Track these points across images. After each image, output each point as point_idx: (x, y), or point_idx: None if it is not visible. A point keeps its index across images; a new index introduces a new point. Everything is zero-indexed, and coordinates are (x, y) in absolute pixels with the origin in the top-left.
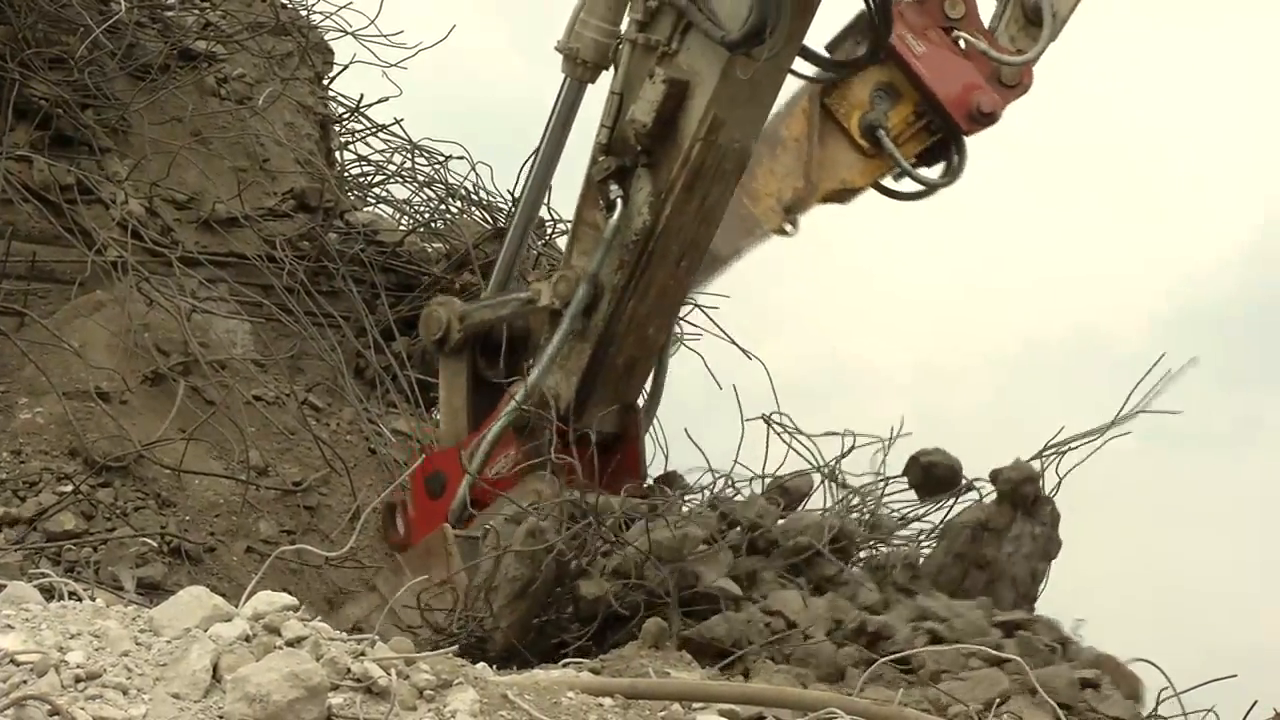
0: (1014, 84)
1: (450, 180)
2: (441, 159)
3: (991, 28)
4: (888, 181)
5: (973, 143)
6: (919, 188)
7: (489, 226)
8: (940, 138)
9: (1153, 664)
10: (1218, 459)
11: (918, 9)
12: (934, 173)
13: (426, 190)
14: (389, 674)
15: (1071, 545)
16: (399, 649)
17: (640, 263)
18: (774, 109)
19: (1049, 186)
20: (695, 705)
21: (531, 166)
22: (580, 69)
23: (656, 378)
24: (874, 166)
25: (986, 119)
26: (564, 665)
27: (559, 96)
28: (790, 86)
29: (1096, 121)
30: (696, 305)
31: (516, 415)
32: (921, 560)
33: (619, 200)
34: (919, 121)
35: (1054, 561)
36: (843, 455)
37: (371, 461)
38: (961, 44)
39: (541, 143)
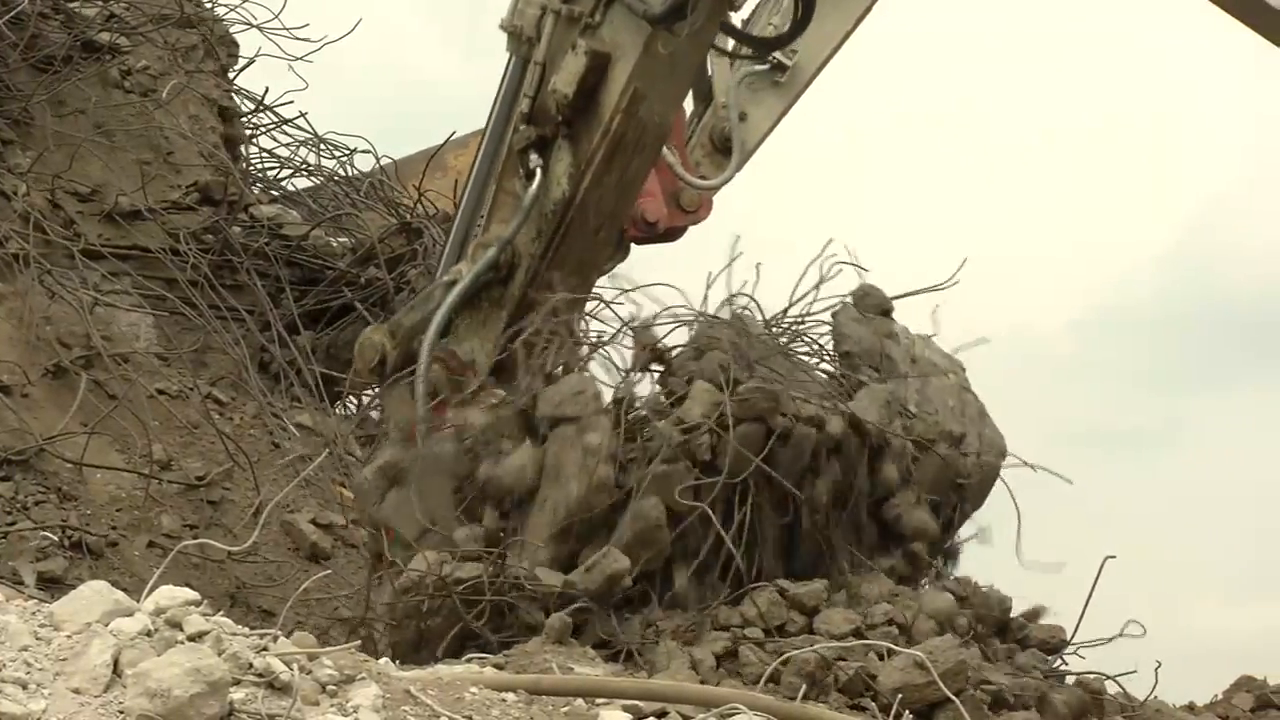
0: (691, 209)
1: (355, 174)
2: (347, 153)
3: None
4: None
5: (915, 143)
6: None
7: (394, 221)
8: None
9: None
10: (1141, 459)
11: None
12: None
13: (331, 184)
14: (291, 669)
15: (1001, 545)
16: (301, 645)
17: (558, 232)
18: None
19: (973, 187)
20: (599, 701)
21: (479, 148)
22: (525, 46)
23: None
24: None
25: (649, 228)
26: (468, 660)
27: (505, 74)
28: None
29: (1019, 125)
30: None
31: (434, 379)
32: None
33: (538, 170)
34: None
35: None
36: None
37: (275, 456)
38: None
39: (489, 122)
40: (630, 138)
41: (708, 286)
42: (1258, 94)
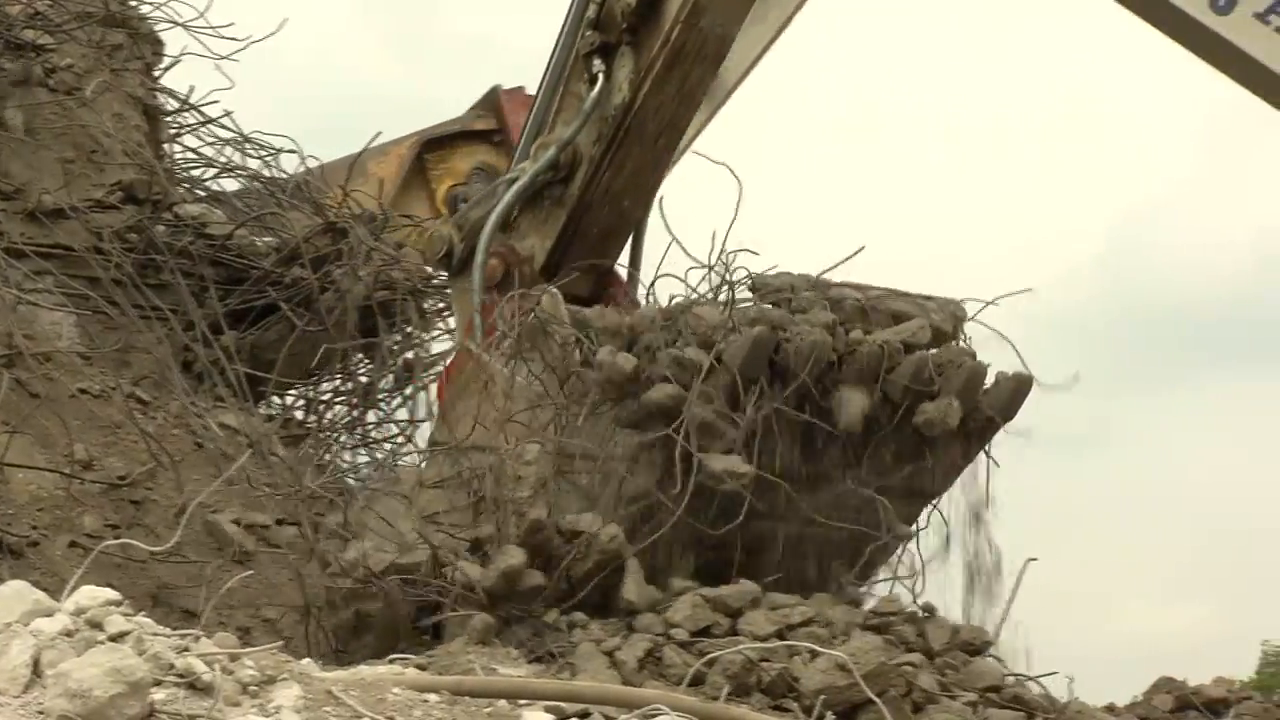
0: None
1: (280, 174)
2: (273, 152)
3: None
4: None
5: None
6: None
7: (319, 221)
8: None
9: (997, 659)
10: (1070, 461)
11: None
12: None
13: (256, 184)
14: (213, 669)
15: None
16: (223, 645)
17: (617, 137)
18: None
19: (904, 189)
20: (521, 702)
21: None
22: None
23: (635, 249)
24: None
25: None
26: (390, 661)
27: None
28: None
29: (951, 126)
30: None
31: (490, 273)
32: None
33: (601, 75)
34: None
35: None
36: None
37: (198, 456)
38: None
39: (563, 26)
40: (690, 48)
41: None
42: (1187, 101)
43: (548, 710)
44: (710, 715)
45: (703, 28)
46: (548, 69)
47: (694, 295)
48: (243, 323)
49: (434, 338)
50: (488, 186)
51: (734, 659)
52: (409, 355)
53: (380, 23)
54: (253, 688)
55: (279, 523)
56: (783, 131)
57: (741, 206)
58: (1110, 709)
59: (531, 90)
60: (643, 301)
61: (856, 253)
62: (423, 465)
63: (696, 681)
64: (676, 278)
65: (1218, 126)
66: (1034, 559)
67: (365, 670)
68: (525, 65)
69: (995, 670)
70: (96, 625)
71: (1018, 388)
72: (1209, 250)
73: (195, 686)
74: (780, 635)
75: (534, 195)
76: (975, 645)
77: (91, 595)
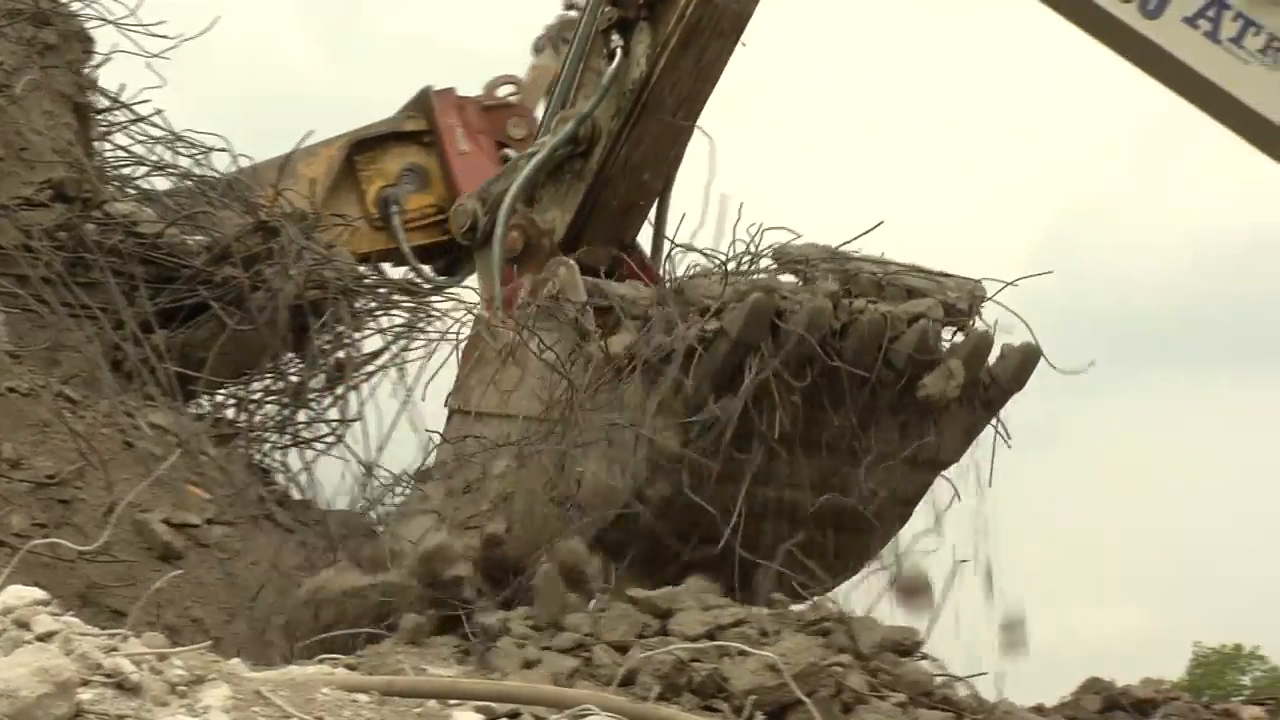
0: None
1: (211, 173)
2: (204, 151)
3: None
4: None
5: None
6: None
7: (251, 220)
8: (451, 241)
9: (930, 659)
10: (1012, 461)
11: (481, 112)
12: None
13: (186, 182)
14: (141, 669)
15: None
16: (151, 645)
17: (634, 111)
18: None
19: (842, 181)
20: (451, 702)
21: None
22: None
23: (658, 223)
24: (375, 238)
25: None
26: (320, 661)
27: None
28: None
29: (891, 125)
30: None
31: (510, 246)
32: None
33: (619, 50)
34: (436, 216)
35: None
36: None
37: (128, 455)
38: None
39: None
40: (705, 23)
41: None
42: (1124, 104)
43: (478, 710)
44: (640, 715)
45: (717, 3)
46: (571, 44)
47: (715, 268)
48: (173, 321)
49: (365, 337)
50: (417, 187)
51: (664, 659)
52: (340, 355)
53: (314, 22)
54: (181, 688)
55: (209, 522)
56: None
57: (764, 182)
58: (1039, 709)
59: (462, 91)
60: (664, 275)
61: (875, 227)
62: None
63: (626, 682)
64: (699, 250)
65: (1154, 131)
66: (964, 560)
67: (295, 670)
68: (459, 66)
69: (925, 671)
70: (24, 625)
71: (1025, 358)
72: (1145, 252)
73: (123, 686)
74: (711, 636)
75: (556, 169)
76: (906, 646)
77: (19, 595)
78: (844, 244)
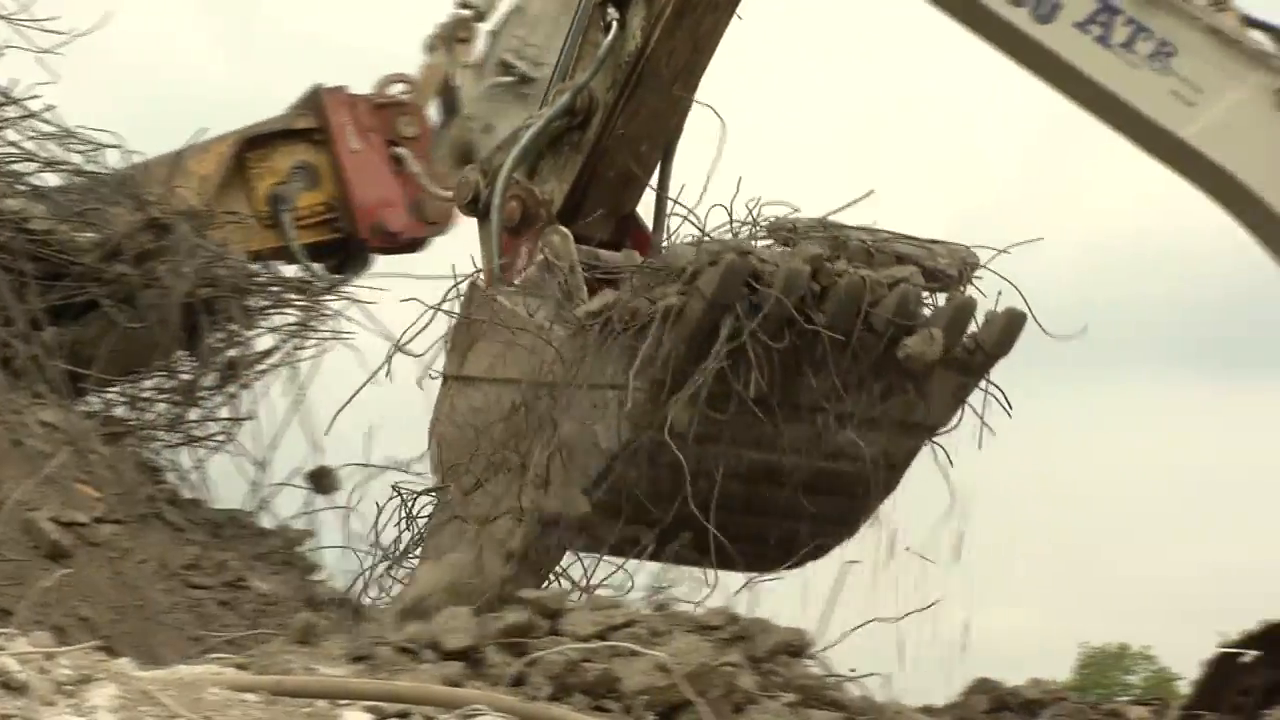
0: (434, 220)
1: (102, 169)
2: (96, 148)
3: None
4: None
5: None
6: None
7: (142, 216)
8: (343, 239)
9: (822, 659)
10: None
11: (372, 110)
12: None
13: (78, 178)
14: (27, 669)
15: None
16: (38, 644)
17: (629, 83)
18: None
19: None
20: (340, 702)
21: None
22: None
23: (660, 194)
24: (265, 236)
25: (390, 238)
26: (209, 660)
27: None
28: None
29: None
30: None
31: (509, 215)
32: None
33: (615, 22)
34: (327, 214)
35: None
36: None
37: (17, 453)
38: (403, 164)
39: None
40: None
41: None
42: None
43: (367, 710)
44: (530, 715)
45: None
46: (574, 16)
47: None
48: (63, 319)
49: (257, 335)
50: (307, 185)
51: (555, 659)
52: (232, 353)
53: (210, 19)
54: (68, 687)
55: (98, 521)
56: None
57: (770, 160)
58: (928, 710)
59: (354, 90)
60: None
61: (865, 196)
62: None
63: (517, 682)
64: (695, 223)
65: (1044, 134)
66: (855, 561)
67: (183, 669)
68: (356, 65)
69: (815, 672)
70: None
71: (1009, 323)
72: (1033, 254)
73: (9, 686)
74: (602, 636)
75: (555, 140)
76: (797, 647)
77: None
78: (832, 213)
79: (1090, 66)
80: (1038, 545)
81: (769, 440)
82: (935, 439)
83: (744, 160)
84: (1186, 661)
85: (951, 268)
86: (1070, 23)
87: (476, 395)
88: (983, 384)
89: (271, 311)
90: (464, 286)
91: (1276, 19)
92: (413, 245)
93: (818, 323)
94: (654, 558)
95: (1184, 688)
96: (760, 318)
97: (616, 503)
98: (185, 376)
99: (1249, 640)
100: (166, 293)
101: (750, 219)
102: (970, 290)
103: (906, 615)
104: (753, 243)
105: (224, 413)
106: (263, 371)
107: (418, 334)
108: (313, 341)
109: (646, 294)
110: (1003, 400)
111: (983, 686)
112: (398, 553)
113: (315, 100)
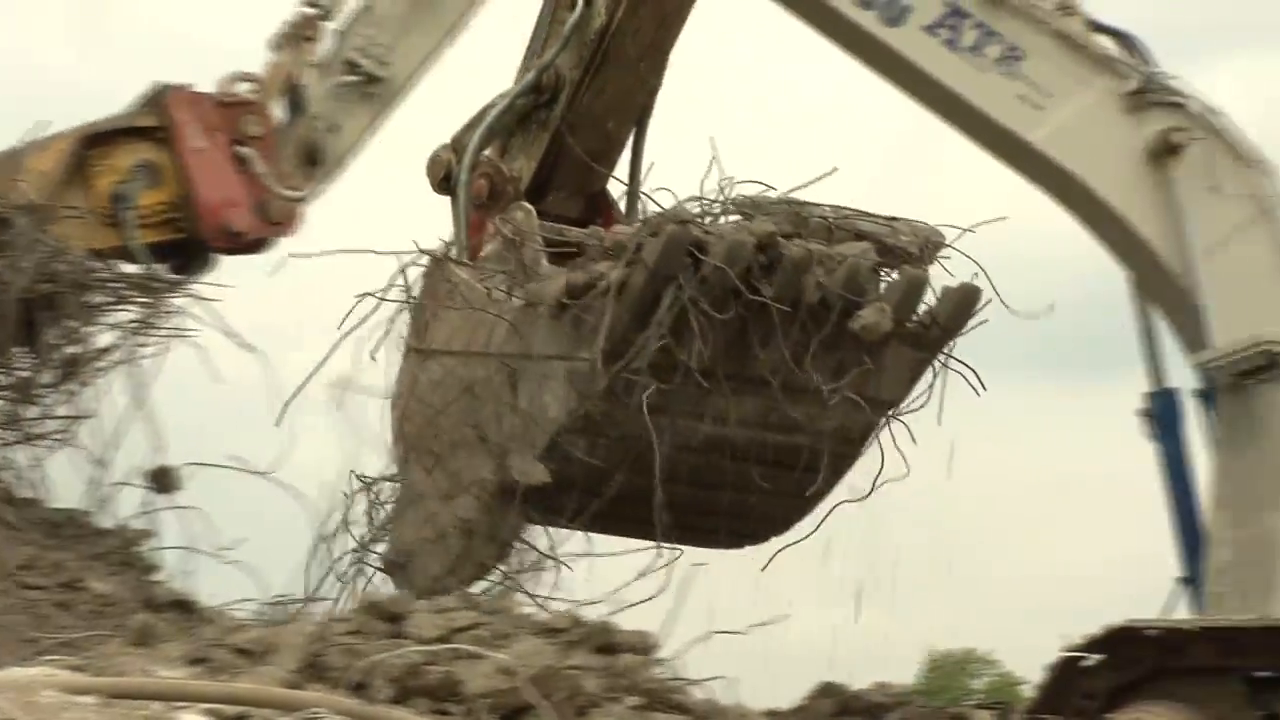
0: (279, 221)
1: None
2: None
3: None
4: None
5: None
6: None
7: None
8: (186, 239)
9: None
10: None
11: (216, 108)
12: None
13: None
14: None
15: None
16: None
17: (595, 60)
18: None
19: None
20: (177, 704)
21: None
22: None
23: (633, 171)
24: (106, 235)
25: (234, 239)
26: (44, 662)
27: None
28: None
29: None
30: None
31: (476, 192)
32: None
33: (581, 1)
34: (170, 213)
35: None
36: None
37: None
38: (248, 164)
39: None
40: None
41: None
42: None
43: (205, 713)
44: (370, 718)
45: None
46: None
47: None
48: None
49: (97, 332)
50: (149, 183)
51: (396, 662)
52: (71, 350)
53: (63, 12)
54: None
55: None
56: None
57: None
58: (772, 714)
59: (200, 88)
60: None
61: (829, 174)
62: None
63: (358, 685)
64: (672, 194)
65: (895, 143)
66: (702, 564)
67: (17, 671)
68: (207, 63)
69: (660, 675)
70: None
71: (964, 298)
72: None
73: None
74: (445, 638)
75: (525, 118)
76: (642, 649)
77: None
78: (794, 189)
79: (939, 70)
80: (889, 548)
81: (721, 413)
82: (894, 416)
83: (729, 142)
84: (1031, 665)
85: (913, 245)
86: (919, 26)
87: (436, 368)
88: (939, 361)
89: (112, 308)
90: (412, 270)
91: (1121, 23)
92: (257, 246)
93: (765, 295)
94: (603, 530)
95: (1028, 691)
96: (700, 285)
97: (569, 473)
98: (23, 373)
99: (1092, 644)
100: (4, 288)
101: (720, 197)
102: (934, 268)
103: (762, 624)
104: (704, 218)
105: (63, 410)
106: (103, 369)
107: (360, 323)
108: (154, 339)
109: (595, 267)
110: (971, 377)
111: (828, 690)
112: (367, 539)
113: (158, 98)
